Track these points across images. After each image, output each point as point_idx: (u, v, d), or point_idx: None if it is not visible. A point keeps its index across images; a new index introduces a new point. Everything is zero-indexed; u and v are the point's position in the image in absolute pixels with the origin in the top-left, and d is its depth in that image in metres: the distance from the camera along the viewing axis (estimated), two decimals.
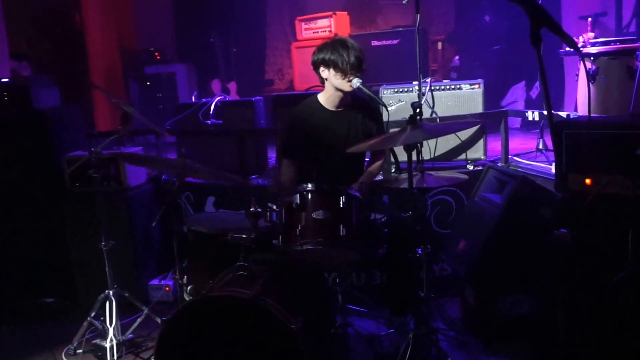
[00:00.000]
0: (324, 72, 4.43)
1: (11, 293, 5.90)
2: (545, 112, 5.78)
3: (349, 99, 4.54)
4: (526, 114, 6.33)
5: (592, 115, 4.88)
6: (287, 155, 4.65)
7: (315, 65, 4.48)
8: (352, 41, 4.42)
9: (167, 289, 5.79)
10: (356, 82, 4.30)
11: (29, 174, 5.80)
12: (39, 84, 6.00)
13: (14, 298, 5.90)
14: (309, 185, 3.78)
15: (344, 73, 4.32)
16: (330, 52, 4.36)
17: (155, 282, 5.90)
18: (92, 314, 4.92)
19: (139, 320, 5.06)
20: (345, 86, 4.37)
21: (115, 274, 4.90)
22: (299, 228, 3.72)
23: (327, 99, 4.56)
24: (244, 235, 3.84)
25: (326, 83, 4.49)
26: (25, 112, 5.81)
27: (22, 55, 8.80)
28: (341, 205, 3.74)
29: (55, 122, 5.83)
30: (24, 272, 5.91)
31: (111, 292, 4.84)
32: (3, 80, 5.89)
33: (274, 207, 3.86)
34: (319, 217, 3.71)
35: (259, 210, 3.82)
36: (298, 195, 3.76)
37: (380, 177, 5.53)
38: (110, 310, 4.81)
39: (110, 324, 4.79)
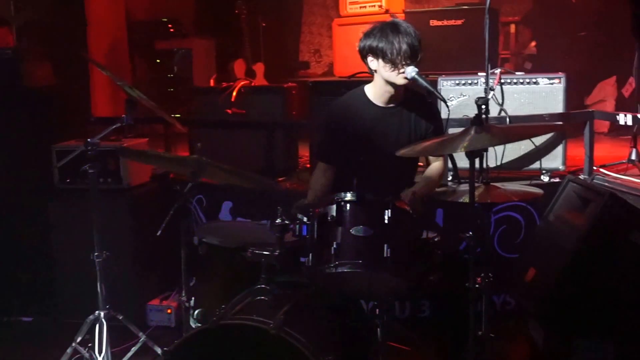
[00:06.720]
0: (373, 62, 4.40)
1: None
2: None
3: (401, 93, 4.51)
4: (617, 116, 6.25)
5: None
6: (324, 157, 4.64)
7: (362, 54, 4.46)
8: (407, 25, 4.38)
9: (169, 311, 5.81)
10: (411, 71, 4.25)
11: (9, 164, 5.83)
12: (30, 57, 6.00)
13: None
14: (348, 195, 3.76)
15: (394, 65, 4.29)
16: (379, 38, 4.33)
17: (155, 302, 5.92)
18: (78, 339, 4.90)
19: (134, 349, 5.08)
20: (397, 79, 4.34)
21: (108, 292, 4.88)
22: (334, 246, 3.69)
23: (375, 92, 4.54)
24: (267, 252, 3.83)
25: (375, 74, 4.47)
26: (13, 90, 5.81)
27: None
28: (386, 221, 3.71)
29: (49, 104, 5.82)
30: None
31: (102, 314, 4.82)
32: None
33: (305, 219, 3.83)
34: (359, 234, 3.68)
35: (287, 222, 3.80)
36: (335, 206, 3.74)
37: None
38: (100, 335, 4.80)
39: (100, 352, 4.79)
